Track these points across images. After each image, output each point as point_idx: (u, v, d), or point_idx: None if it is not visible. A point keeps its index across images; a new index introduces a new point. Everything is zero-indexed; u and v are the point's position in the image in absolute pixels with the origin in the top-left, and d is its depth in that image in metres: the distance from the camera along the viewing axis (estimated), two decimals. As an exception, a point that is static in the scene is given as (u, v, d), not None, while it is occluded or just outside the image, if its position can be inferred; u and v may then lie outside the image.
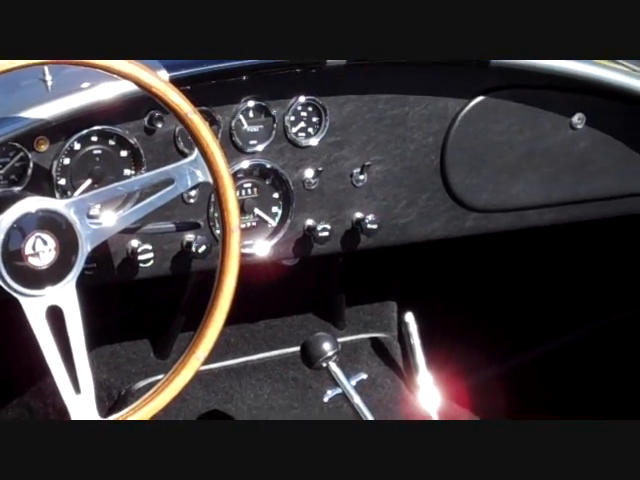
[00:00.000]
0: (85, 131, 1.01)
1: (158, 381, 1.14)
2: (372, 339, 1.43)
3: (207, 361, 1.21)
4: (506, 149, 1.18)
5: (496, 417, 1.38)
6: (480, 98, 1.15)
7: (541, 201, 1.21)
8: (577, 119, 1.20)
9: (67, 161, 1.02)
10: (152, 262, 1.05)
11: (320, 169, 1.09)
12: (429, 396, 1.31)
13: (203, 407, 1.18)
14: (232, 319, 1.07)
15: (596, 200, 1.24)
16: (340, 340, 1.34)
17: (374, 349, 1.40)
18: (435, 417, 1.33)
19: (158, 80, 0.90)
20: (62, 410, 0.96)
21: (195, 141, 0.93)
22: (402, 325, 1.34)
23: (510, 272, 1.56)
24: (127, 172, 1.05)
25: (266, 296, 1.28)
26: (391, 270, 1.37)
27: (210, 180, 0.95)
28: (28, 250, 0.90)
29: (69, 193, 1.03)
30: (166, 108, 0.92)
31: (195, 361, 0.97)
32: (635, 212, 1.28)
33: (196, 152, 0.94)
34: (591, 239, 1.47)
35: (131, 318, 1.23)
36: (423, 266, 1.38)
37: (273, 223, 1.11)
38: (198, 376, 1.29)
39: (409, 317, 1.32)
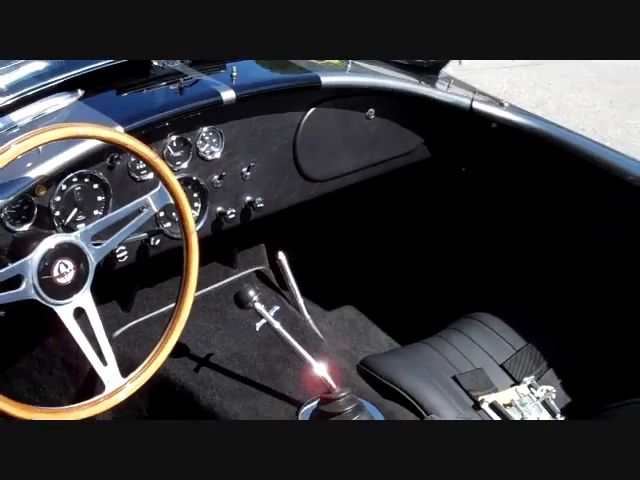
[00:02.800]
0: (68, 176, 1.33)
1: (131, 327, 1.57)
2: (256, 271, 1.95)
3: (150, 310, 1.66)
4: (331, 139, 1.72)
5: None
6: (312, 109, 1.64)
7: (353, 168, 1.79)
8: (370, 112, 1.77)
9: (58, 198, 1.33)
10: (126, 257, 1.45)
11: (223, 173, 1.54)
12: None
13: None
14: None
15: (384, 161, 1.87)
16: (237, 276, 1.86)
17: (259, 278, 1.93)
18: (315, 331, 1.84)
19: (129, 138, 1.22)
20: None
21: (159, 176, 1.28)
22: (277, 260, 1.81)
23: (343, 222, 2.15)
24: (99, 198, 1.39)
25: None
26: (262, 226, 1.81)
27: (172, 201, 1.30)
28: (55, 273, 1.19)
29: (63, 221, 1.34)
30: (136, 156, 1.27)
31: (179, 326, 1.34)
32: (404, 164, 1.94)
33: (160, 184, 1.29)
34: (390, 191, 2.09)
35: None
36: (285, 223, 1.87)
37: (196, 213, 1.54)
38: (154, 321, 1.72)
39: (281, 254, 1.81)
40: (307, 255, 1.87)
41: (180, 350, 1.60)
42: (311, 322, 1.78)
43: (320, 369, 1.44)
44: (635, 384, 1.54)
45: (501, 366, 1.76)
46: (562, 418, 1.66)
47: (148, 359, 1.32)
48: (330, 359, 1.59)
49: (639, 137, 4.45)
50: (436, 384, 1.66)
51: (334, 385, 1.44)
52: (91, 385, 1.52)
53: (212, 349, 1.64)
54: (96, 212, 1.40)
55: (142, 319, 1.71)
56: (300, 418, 1.49)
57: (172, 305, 1.59)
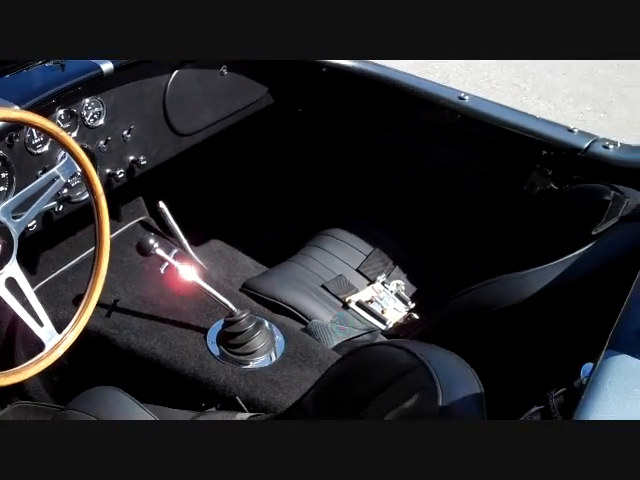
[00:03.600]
0: None
1: (40, 288, 1.71)
2: (140, 221, 2.10)
3: (53, 270, 1.80)
4: (194, 96, 1.92)
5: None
6: (176, 71, 1.83)
7: (214, 120, 2.00)
8: (223, 69, 1.98)
9: None
10: (35, 226, 1.57)
11: (108, 138, 1.70)
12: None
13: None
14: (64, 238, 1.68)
15: (239, 110, 2.10)
16: (124, 228, 2.02)
17: (143, 227, 2.08)
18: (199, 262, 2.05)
19: (36, 116, 1.32)
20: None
21: (65, 148, 1.40)
22: (158, 208, 1.97)
23: (209, 169, 2.36)
24: (3, 175, 1.49)
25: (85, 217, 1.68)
26: (138, 181, 1.94)
27: (79, 169, 1.44)
28: (-15, 248, 1.32)
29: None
30: (44, 132, 1.38)
31: (100, 280, 1.50)
32: (255, 111, 2.19)
33: (67, 155, 1.42)
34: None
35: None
36: (158, 176, 2.02)
37: (89, 177, 1.72)
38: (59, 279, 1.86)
39: (161, 203, 1.97)
40: (179, 202, 2.06)
41: None
42: (197, 258, 2.00)
43: (219, 295, 1.69)
44: (467, 271, 1.94)
45: (357, 270, 2.11)
46: (412, 305, 2.05)
47: (78, 313, 1.48)
48: (222, 287, 1.85)
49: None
50: (309, 293, 1.98)
51: (234, 308, 1.71)
52: (30, 347, 1.66)
53: (117, 295, 1.82)
54: (2, 188, 1.52)
55: (48, 279, 1.85)
56: (208, 340, 1.74)
57: (73, 262, 1.74)
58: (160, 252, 1.68)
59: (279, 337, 1.76)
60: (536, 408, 1.37)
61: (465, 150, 2.11)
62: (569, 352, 1.44)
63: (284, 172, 2.42)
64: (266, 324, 1.76)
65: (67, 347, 1.45)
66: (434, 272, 2.14)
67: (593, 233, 1.54)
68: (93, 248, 1.52)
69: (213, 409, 1.66)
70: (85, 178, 1.48)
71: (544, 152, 1.94)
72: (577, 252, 1.49)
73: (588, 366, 1.32)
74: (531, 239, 1.82)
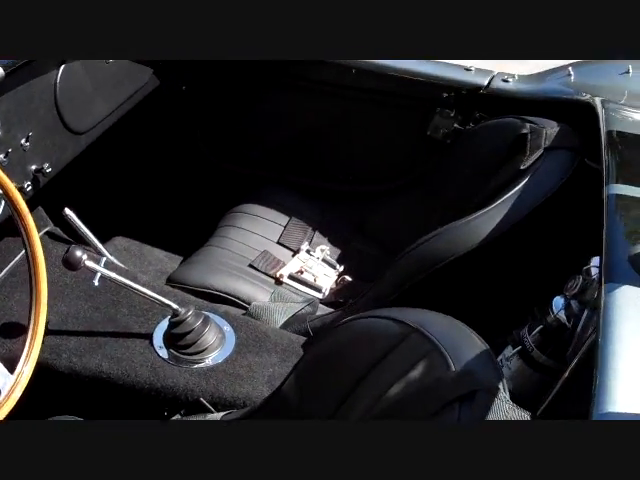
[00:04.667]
0: None
1: None
2: (46, 233, 1.86)
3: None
4: (84, 90, 1.77)
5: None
6: (63, 66, 1.67)
7: (107, 112, 1.88)
8: None
9: None
10: None
11: (8, 150, 1.54)
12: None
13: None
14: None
15: (128, 98, 1.97)
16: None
17: (52, 238, 1.86)
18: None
19: None
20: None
21: None
22: (64, 216, 1.76)
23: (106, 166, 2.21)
24: None
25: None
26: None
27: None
28: None
29: None
30: None
31: (43, 307, 1.39)
32: (143, 95, 2.06)
33: None
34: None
35: None
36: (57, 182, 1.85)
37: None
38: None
39: (67, 210, 1.75)
40: (80, 204, 1.92)
41: None
42: (116, 261, 1.88)
43: (157, 296, 1.60)
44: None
45: (279, 243, 2.07)
46: (341, 268, 2.04)
47: (27, 347, 1.36)
48: (152, 286, 1.75)
49: None
50: (240, 276, 1.92)
51: (176, 306, 1.62)
52: None
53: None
54: None
55: None
56: (155, 346, 1.65)
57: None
58: (90, 264, 1.56)
59: (227, 327, 1.70)
60: (513, 351, 1.41)
61: (363, 104, 2.11)
62: (531, 288, 1.50)
63: (178, 154, 2.31)
64: (212, 317, 1.69)
65: (24, 387, 1.32)
66: (348, 229, 2.14)
67: (522, 168, 1.58)
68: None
69: (177, 416, 1.59)
70: (7, 198, 1.34)
71: (444, 94, 1.97)
72: (514, 189, 1.53)
73: (558, 300, 1.37)
74: (456, 183, 1.86)
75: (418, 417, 1.01)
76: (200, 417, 1.54)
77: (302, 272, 1.98)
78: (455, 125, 2.00)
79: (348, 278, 1.99)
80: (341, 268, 2.03)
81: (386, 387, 1.11)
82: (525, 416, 0.95)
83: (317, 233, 2.11)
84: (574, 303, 1.32)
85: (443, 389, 1.02)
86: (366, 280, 1.98)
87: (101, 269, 1.56)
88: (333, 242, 2.10)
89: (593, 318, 1.18)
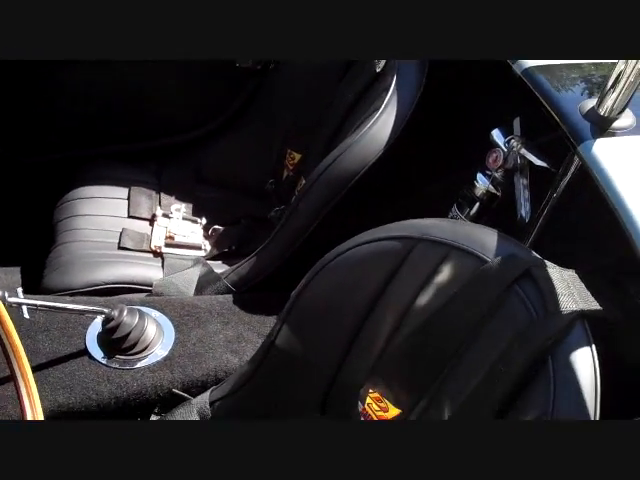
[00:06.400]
0: None
1: None
2: None
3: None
4: None
5: None
6: None
7: None
8: None
9: None
10: None
11: None
12: None
13: None
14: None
15: None
16: None
17: None
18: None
19: None
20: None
21: None
22: None
23: None
24: None
25: None
26: None
27: None
28: None
29: None
30: None
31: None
32: None
33: None
34: None
35: None
36: None
37: None
38: None
39: None
40: None
41: None
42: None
43: (80, 306, 1.47)
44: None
45: (131, 217, 1.95)
46: (203, 220, 2.00)
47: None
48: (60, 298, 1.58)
49: None
50: (121, 261, 1.80)
51: (104, 309, 1.49)
52: None
53: None
54: None
55: None
56: (100, 360, 1.50)
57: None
58: (12, 299, 1.36)
59: (156, 313, 1.61)
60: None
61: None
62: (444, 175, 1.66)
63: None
64: (143, 310, 1.58)
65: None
66: (190, 181, 2.09)
67: (378, 70, 1.64)
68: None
69: (152, 416, 1.50)
70: None
71: None
72: (391, 87, 1.53)
73: (481, 176, 1.55)
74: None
75: (474, 314, 0.99)
76: (182, 408, 1.48)
77: (172, 237, 1.92)
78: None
79: (217, 226, 1.97)
80: (203, 220, 2.00)
81: (409, 300, 1.10)
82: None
83: (162, 194, 2.02)
84: (498, 174, 1.51)
85: (494, 279, 0.99)
86: (230, 223, 1.99)
87: (27, 300, 1.38)
88: (182, 198, 2.03)
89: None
